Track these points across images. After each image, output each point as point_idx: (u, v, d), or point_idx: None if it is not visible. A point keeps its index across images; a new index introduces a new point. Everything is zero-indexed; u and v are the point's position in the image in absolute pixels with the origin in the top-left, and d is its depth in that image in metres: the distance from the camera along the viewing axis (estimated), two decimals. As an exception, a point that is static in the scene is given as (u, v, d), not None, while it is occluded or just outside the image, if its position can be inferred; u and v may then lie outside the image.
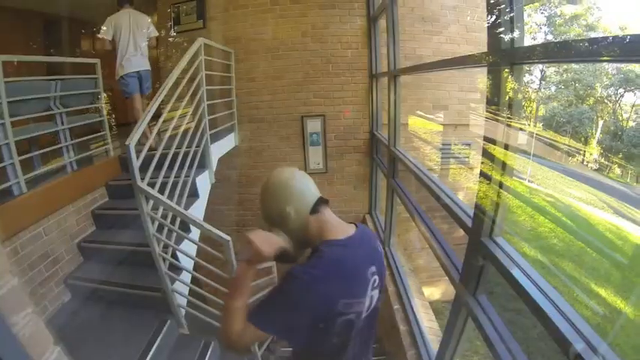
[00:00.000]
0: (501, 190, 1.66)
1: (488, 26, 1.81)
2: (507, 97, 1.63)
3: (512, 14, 1.62)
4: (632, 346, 5.40)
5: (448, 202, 2.22)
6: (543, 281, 1.45)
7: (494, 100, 1.70)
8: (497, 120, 1.67)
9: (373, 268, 1.24)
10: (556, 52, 1.42)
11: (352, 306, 1.16)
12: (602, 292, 6.97)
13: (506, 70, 1.62)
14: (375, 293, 1.26)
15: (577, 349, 1.18)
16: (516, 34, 1.62)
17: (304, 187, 1.26)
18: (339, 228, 1.27)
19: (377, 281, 1.25)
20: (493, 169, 1.69)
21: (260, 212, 1.29)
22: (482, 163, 1.81)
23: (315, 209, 1.24)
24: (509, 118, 1.63)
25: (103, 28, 4.15)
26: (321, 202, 1.27)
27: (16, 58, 3.27)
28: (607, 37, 1.09)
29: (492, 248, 1.68)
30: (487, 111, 1.76)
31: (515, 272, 1.52)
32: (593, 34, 16.51)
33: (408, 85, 4.98)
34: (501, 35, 1.66)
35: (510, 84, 1.62)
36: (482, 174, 1.78)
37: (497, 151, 1.67)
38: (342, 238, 1.23)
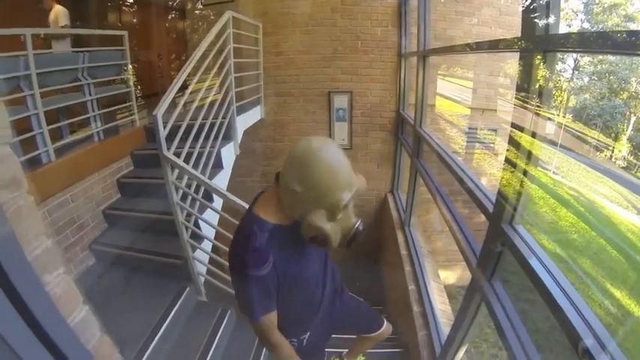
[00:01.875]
0: (525, 179, 1.65)
1: (522, 10, 1.77)
2: (538, 85, 1.60)
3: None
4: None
5: (471, 187, 2.21)
6: (560, 273, 1.45)
7: (524, 86, 1.66)
8: (525, 107, 1.65)
9: None
10: (592, 41, 1.37)
11: None
12: (617, 293, 6.87)
13: (539, 57, 1.58)
14: None
15: (586, 344, 1.18)
16: (552, 20, 1.57)
17: None
18: None
19: None
20: (518, 157, 1.67)
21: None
22: (507, 150, 1.79)
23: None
24: (538, 106, 1.60)
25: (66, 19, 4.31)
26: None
27: (44, 30, 3.31)
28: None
29: (512, 235, 1.68)
30: (516, 97, 1.73)
31: (533, 261, 1.52)
32: (632, 26, 15.81)
33: (436, 65, 4.90)
34: (536, 20, 1.62)
35: (542, 72, 1.58)
36: (507, 160, 1.76)
37: (524, 139, 1.65)
38: None
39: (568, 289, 1.37)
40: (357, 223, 1.20)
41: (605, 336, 1.21)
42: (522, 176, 1.65)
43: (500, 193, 1.79)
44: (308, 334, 1.57)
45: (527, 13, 1.73)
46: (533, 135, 1.61)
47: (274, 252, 1.21)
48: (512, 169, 1.70)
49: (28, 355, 0.73)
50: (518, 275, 1.68)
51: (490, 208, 1.91)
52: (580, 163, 12.54)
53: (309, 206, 1.13)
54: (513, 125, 1.73)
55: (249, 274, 1.21)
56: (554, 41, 1.55)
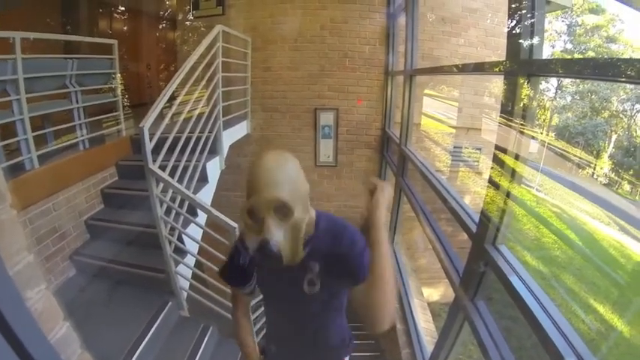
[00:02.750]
0: (508, 200, 1.67)
1: (507, 34, 1.81)
2: (522, 108, 1.63)
3: (532, 21, 1.61)
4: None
5: (454, 206, 2.24)
6: (542, 293, 1.47)
7: (508, 109, 1.70)
8: (509, 129, 1.68)
9: None
10: (575, 66, 1.41)
11: None
12: (600, 308, 6.97)
13: (523, 80, 1.62)
14: None
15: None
16: (536, 44, 1.61)
17: None
18: None
19: None
20: (501, 179, 1.70)
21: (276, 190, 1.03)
22: (491, 169, 1.82)
23: None
24: (521, 128, 1.64)
25: None
26: None
27: (34, 35, 3.29)
28: (630, 59, 1.09)
29: (495, 256, 1.70)
30: (500, 119, 1.76)
31: (515, 281, 1.54)
32: (613, 47, 16.29)
33: (423, 84, 4.97)
34: (520, 44, 1.66)
35: (526, 94, 1.62)
36: (490, 181, 1.79)
37: (507, 161, 1.68)
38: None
39: (550, 309, 1.39)
40: (265, 242, 1.02)
41: (587, 353, 1.22)
42: (505, 197, 1.67)
43: (483, 214, 1.81)
44: (272, 347, 1.55)
45: (512, 37, 1.75)
46: (516, 158, 1.65)
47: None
48: (496, 190, 1.72)
49: (5, 374, 0.71)
50: (502, 293, 1.70)
51: (473, 228, 1.93)
52: (561, 181, 12.75)
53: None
54: (497, 147, 1.76)
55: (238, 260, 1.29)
56: (538, 65, 1.59)
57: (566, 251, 9.01)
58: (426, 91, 5.49)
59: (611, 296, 7.36)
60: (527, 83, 1.61)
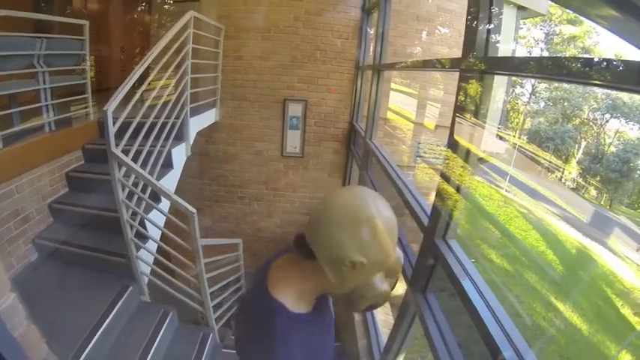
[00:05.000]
0: (458, 195, 1.72)
1: (465, 30, 1.76)
2: (474, 105, 1.67)
3: (489, 18, 1.60)
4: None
5: (409, 199, 2.27)
6: (487, 288, 1.50)
7: (462, 106, 1.73)
8: (461, 125, 1.72)
9: None
10: (530, 66, 1.39)
11: None
12: (560, 306, 7.21)
13: (477, 77, 1.65)
14: None
15: (505, 356, 1.23)
16: (492, 41, 1.61)
17: None
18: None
19: None
20: (452, 173, 1.75)
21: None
22: (445, 164, 1.84)
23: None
24: (473, 125, 1.68)
25: None
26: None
27: (4, 12, 3.19)
28: (580, 58, 1.09)
29: (443, 250, 1.73)
30: (455, 116, 1.78)
31: (461, 275, 1.57)
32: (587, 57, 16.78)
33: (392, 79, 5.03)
34: (476, 40, 1.64)
35: (478, 91, 1.65)
36: (442, 176, 1.82)
37: (459, 156, 1.72)
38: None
39: (492, 303, 1.42)
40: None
41: (525, 348, 1.25)
42: (455, 192, 1.72)
43: (434, 208, 1.85)
44: None
45: (469, 34, 1.73)
46: (467, 153, 1.69)
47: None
48: (447, 184, 1.77)
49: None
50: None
51: (425, 221, 1.97)
52: (530, 183, 13.07)
53: (370, 275, 0.92)
54: (449, 142, 1.80)
55: None
56: (492, 64, 1.59)
57: (530, 250, 9.24)
58: (395, 87, 5.58)
59: (571, 295, 7.62)
60: (481, 82, 1.63)
